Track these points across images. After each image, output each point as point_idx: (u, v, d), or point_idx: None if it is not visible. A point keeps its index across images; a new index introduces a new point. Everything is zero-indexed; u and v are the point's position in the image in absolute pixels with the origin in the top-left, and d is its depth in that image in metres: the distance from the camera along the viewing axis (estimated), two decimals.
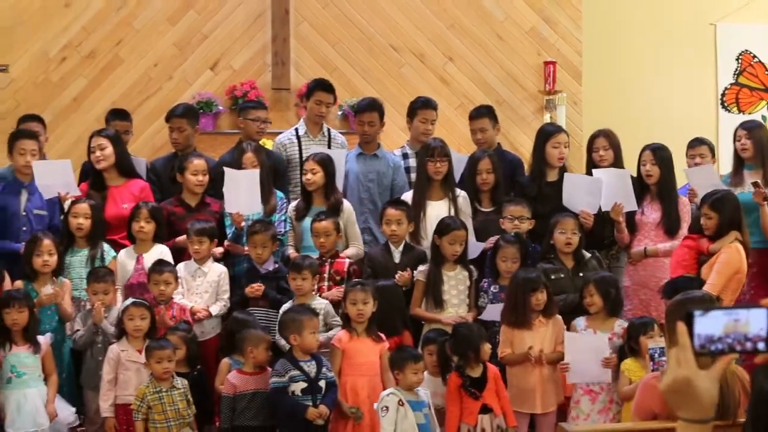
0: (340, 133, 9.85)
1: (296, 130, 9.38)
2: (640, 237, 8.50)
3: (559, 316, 7.52)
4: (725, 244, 7.73)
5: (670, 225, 8.41)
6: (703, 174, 8.88)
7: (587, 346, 7.16)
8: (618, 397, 7.15)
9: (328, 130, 9.53)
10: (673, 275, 7.81)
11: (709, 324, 2.40)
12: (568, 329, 7.45)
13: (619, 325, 7.42)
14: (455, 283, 7.90)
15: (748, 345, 2.39)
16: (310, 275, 7.63)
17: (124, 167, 8.70)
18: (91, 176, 8.71)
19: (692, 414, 2.40)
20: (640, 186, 8.48)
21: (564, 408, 7.49)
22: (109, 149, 8.57)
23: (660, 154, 8.52)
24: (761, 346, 2.39)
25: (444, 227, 7.89)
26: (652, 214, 8.49)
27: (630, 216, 8.44)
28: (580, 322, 7.48)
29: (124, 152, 8.76)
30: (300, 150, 9.23)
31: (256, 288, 7.82)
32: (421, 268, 7.91)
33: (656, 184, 8.50)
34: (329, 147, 9.22)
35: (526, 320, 7.34)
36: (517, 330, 7.33)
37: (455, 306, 7.83)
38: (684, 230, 8.39)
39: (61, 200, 8.35)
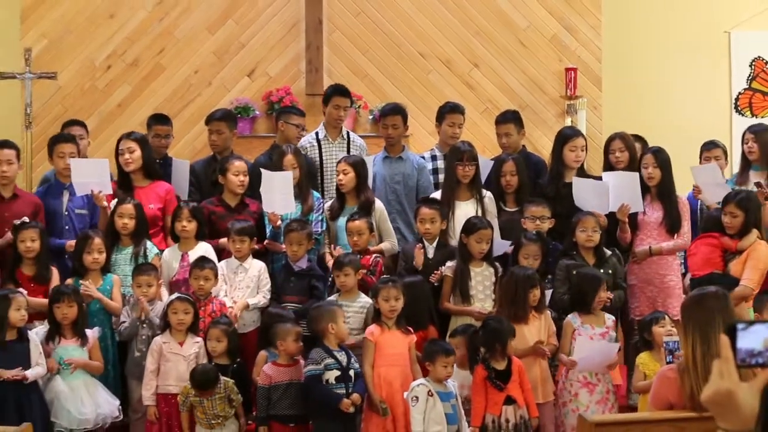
0: (369, 136, 9.83)
1: (316, 133, 9.37)
2: (642, 236, 8.43)
3: (547, 311, 7.56)
4: (750, 241, 7.71)
5: (671, 224, 8.36)
6: (709, 172, 8.89)
7: (598, 350, 7.20)
8: (635, 391, 7.17)
9: (348, 133, 9.51)
10: (699, 273, 7.80)
11: (751, 338, 2.37)
12: (560, 323, 7.54)
13: (609, 318, 7.47)
14: (481, 279, 7.89)
15: None
16: (353, 271, 7.63)
17: (150, 169, 8.71)
18: (118, 177, 8.72)
19: (733, 425, 2.37)
20: (641, 187, 8.43)
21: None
22: (138, 152, 8.58)
23: (660, 156, 8.48)
24: None
25: (471, 226, 7.90)
26: (653, 213, 8.42)
27: (632, 216, 8.39)
28: (575, 318, 7.46)
29: (150, 155, 8.77)
30: (320, 153, 9.23)
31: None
32: (449, 264, 7.91)
33: (657, 185, 8.44)
34: (348, 150, 9.22)
35: (525, 315, 7.37)
36: (515, 324, 7.29)
37: (481, 301, 7.82)
38: (685, 228, 8.38)
39: (94, 198, 8.33)
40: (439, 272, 7.89)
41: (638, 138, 9.52)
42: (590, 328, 7.39)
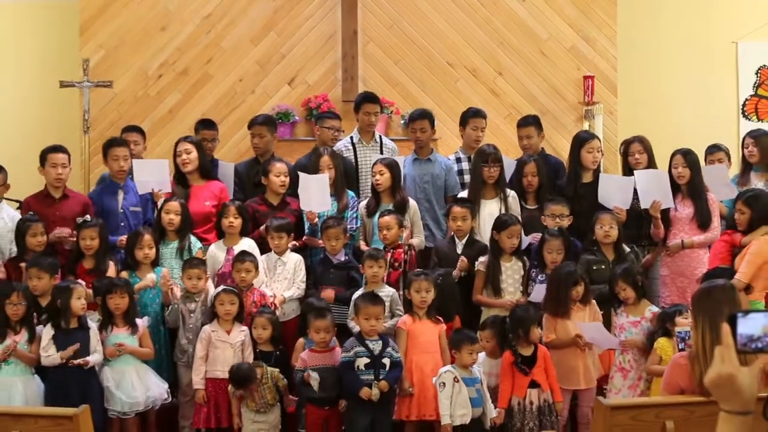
0: (400, 139, 9.83)
1: (351, 138, 9.38)
2: (675, 231, 8.44)
3: (593, 302, 7.51)
4: (756, 236, 7.68)
5: (702, 219, 8.35)
6: (716, 173, 8.89)
7: (594, 329, 7.25)
8: (647, 373, 7.15)
9: (380, 137, 9.52)
10: (711, 267, 7.77)
11: (750, 325, 2.38)
12: (609, 318, 7.51)
13: (650, 310, 7.40)
14: (511, 272, 7.90)
15: None
16: (384, 264, 7.66)
17: (205, 170, 8.79)
18: (176, 177, 8.80)
19: (734, 406, 2.36)
20: (671, 186, 8.40)
21: (601, 384, 7.52)
22: (194, 153, 8.69)
23: (690, 157, 8.49)
24: None
25: (502, 223, 7.91)
26: (684, 210, 8.42)
27: (664, 213, 8.39)
28: (620, 312, 7.47)
29: (205, 156, 8.84)
30: (355, 155, 9.26)
31: (328, 295, 7.81)
32: (482, 259, 7.91)
33: (687, 184, 8.44)
34: (381, 152, 9.23)
35: (566, 311, 7.34)
36: (559, 319, 7.32)
37: (511, 293, 7.83)
38: (715, 223, 8.38)
39: (155, 197, 8.45)
40: (463, 262, 7.90)
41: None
42: (625, 316, 7.39)
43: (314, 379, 7.01)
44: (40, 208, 8.26)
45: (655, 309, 7.44)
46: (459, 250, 8.09)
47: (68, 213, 8.24)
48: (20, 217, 8.32)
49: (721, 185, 8.70)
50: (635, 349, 7.27)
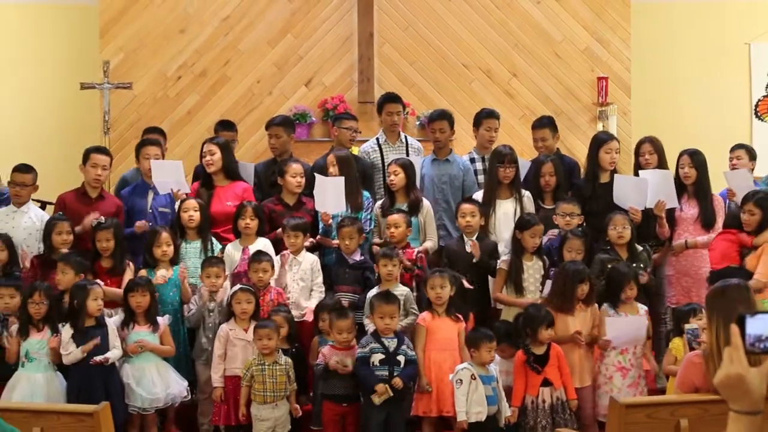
0: (418, 140, 9.82)
1: (377, 139, 9.39)
2: (680, 231, 8.42)
3: (595, 305, 7.47)
4: (766, 237, 7.65)
5: (706, 220, 8.33)
6: (740, 177, 8.86)
7: (627, 325, 7.21)
8: (664, 373, 7.15)
9: (405, 137, 9.51)
10: (717, 266, 7.72)
11: (758, 325, 2.36)
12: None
13: (642, 308, 7.42)
14: (533, 272, 7.87)
15: None
16: (399, 262, 7.65)
17: (230, 170, 8.78)
18: (201, 177, 8.81)
19: (743, 406, 2.35)
20: (678, 186, 8.39)
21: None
22: (218, 155, 8.67)
23: (696, 158, 8.47)
24: None
25: (525, 223, 7.88)
26: (689, 210, 8.41)
27: (670, 212, 8.36)
28: (609, 308, 7.42)
29: (230, 157, 8.84)
30: (382, 156, 9.25)
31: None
32: (504, 258, 7.91)
33: (693, 184, 8.44)
34: (407, 153, 9.22)
35: (571, 307, 7.31)
36: (561, 314, 7.29)
37: (532, 292, 7.81)
38: (719, 224, 8.32)
39: (174, 196, 8.47)
40: (475, 247, 7.92)
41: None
42: (624, 315, 7.35)
43: (342, 363, 7.03)
44: (77, 206, 8.34)
45: (645, 308, 7.46)
46: (468, 249, 8.06)
47: (102, 213, 8.25)
48: (47, 215, 8.40)
49: (746, 188, 8.62)
50: (635, 348, 7.26)
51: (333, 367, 7.03)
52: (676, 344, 7.05)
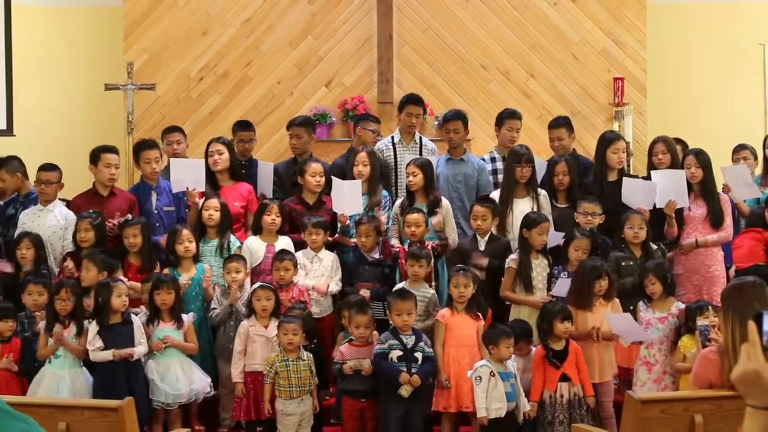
0: (435, 140, 9.83)
1: (392, 138, 9.38)
2: (689, 230, 8.40)
3: (617, 300, 7.48)
4: None
5: (714, 219, 8.32)
6: (737, 172, 8.86)
7: (625, 322, 7.21)
8: (671, 369, 7.16)
9: (420, 137, 9.49)
10: (744, 264, 7.74)
11: None
12: (634, 310, 7.44)
13: (676, 306, 7.38)
14: (540, 269, 7.89)
15: None
16: (426, 263, 7.65)
17: (234, 171, 8.81)
18: (207, 177, 8.80)
19: (760, 402, 2.35)
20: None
21: (622, 376, 7.61)
22: (226, 154, 8.72)
23: (702, 157, 8.46)
24: None
25: (531, 221, 7.89)
26: (697, 210, 8.39)
27: (678, 212, 8.36)
28: (642, 306, 7.45)
29: (235, 158, 8.88)
30: (395, 155, 9.25)
31: (365, 295, 7.80)
32: (513, 256, 7.91)
33: (699, 183, 8.41)
34: (420, 153, 9.21)
35: (589, 303, 7.33)
36: (580, 311, 7.31)
37: (540, 290, 7.83)
38: (727, 222, 8.34)
39: (189, 195, 8.45)
40: (480, 261, 7.94)
41: (679, 141, 9.47)
42: (652, 312, 7.36)
43: (358, 366, 7.06)
44: (90, 207, 8.35)
45: (682, 305, 7.40)
46: (481, 248, 8.11)
47: (116, 209, 8.33)
48: (72, 214, 8.41)
49: (742, 184, 8.66)
50: (661, 344, 7.26)
51: (347, 372, 7.07)
52: (684, 342, 7.05)
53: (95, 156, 8.49)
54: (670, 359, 7.20)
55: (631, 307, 7.49)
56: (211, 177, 8.72)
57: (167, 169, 8.91)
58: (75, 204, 8.56)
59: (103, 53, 11.61)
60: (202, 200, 8.35)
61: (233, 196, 8.64)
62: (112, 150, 8.61)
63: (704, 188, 8.40)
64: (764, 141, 9.24)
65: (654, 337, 7.23)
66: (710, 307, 7.06)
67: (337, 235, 8.48)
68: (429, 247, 7.99)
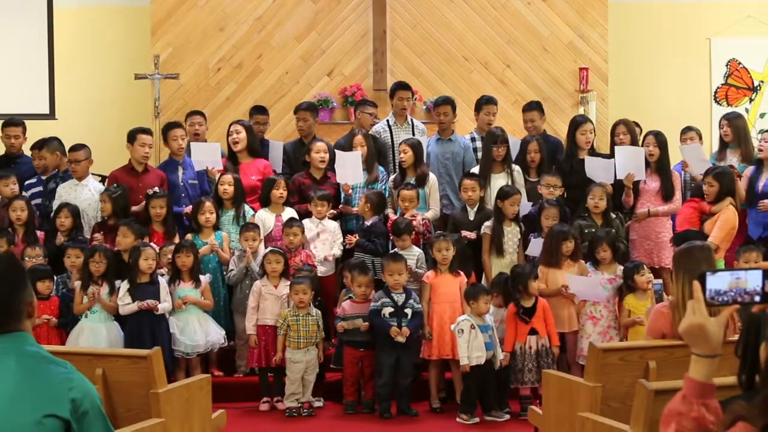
0: (424, 122, 9.82)
1: (387, 120, 9.37)
2: (643, 201, 8.46)
3: (582, 261, 7.56)
4: (723, 206, 7.73)
5: (666, 192, 8.38)
6: (694, 151, 8.90)
7: (584, 285, 7.30)
8: (622, 326, 7.21)
9: (411, 120, 9.49)
10: (680, 229, 7.81)
11: (717, 281, 2.38)
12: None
13: (620, 269, 7.44)
14: (512, 236, 7.94)
15: (747, 297, 2.37)
16: (407, 236, 7.69)
17: (253, 149, 8.81)
18: (228, 154, 8.88)
19: (704, 351, 2.39)
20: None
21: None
22: (243, 134, 8.73)
23: (660, 138, 8.53)
24: (757, 298, 2.36)
25: (504, 193, 7.93)
26: (652, 183, 8.44)
27: (635, 184, 8.40)
28: (591, 268, 7.52)
29: (254, 137, 8.88)
30: (392, 135, 9.23)
31: (349, 240, 7.96)
32: (487, 223, 7.95)
33: (656, 161, 8.45)
34: (413, 133, 9.21)
35: (558, 261, 7.42)
36: (551, 269, 7.37)
37: (511, 254, 7.90)
38: (677, 196, 8.41)
39: (209, 173, 8.59)
40: (469, 234, 7.95)
41: (637, 124, 9.47)
42: (600, 273, 7.42)
43: (350, 326, 7.10)
44: (126, 179, 8.40)
45: (622, 268, 7.48)
46: (471, 217, 8.15)
47: (149, 184, 8.35)
48: (104, 188, 8.43)
49: (698, 161, 8.68)
50: (608, 302, 7.30)
51: (339, 331, 7.20)
52: (629, 302, 7.14)
53: (132, 136, 8.50)
54: (617, 315, 7.28)
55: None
56: (232, 155, 8.73)
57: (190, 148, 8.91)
58: (112, 177, 8.58)
59: (132, 47, 11.53)
60: (217, 177, 8.37)
61: (251, 171, 8.69)
62: (147, 131, 8.65)
63: (660, 165, 8.45)
64: (719, 122, 9.25)
65: (604, 297, 7.26)
66: (644, 266, 7.22)
67: (341, 206, 8.48)
68: (419, 219, 8.00)
